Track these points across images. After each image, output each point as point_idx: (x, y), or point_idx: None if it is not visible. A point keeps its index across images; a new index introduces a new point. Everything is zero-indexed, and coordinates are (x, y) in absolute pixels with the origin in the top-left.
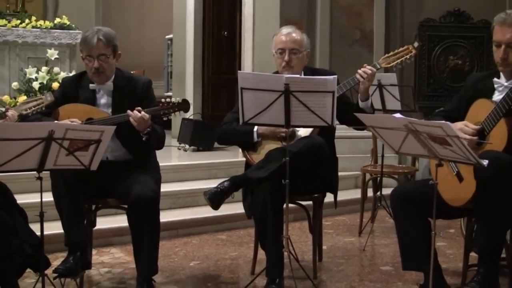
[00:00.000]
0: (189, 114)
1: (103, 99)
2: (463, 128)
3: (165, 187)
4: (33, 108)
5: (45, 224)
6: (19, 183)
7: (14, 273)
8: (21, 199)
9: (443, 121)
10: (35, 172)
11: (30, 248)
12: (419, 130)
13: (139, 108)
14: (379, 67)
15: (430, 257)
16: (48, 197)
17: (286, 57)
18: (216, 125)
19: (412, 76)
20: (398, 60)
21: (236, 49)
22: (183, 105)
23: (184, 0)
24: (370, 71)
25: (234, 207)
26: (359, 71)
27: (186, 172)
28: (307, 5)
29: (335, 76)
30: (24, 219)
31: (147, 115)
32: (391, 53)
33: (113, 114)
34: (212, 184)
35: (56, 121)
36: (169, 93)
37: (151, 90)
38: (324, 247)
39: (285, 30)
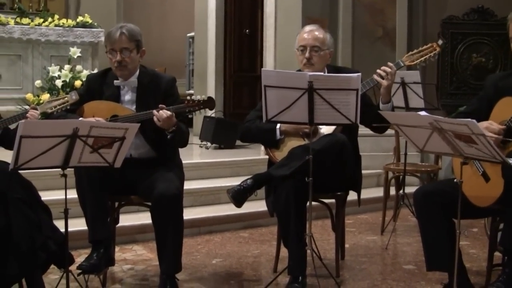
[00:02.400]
0: (211, 112)
1: (128, 96)
2: (489, 127)
3: (187, 185)
4: (58, 107)
5: (69, 221)
6: (44, 180)
7: (39, 269)
8: (46, 196)
9: (469, 119)
10: (59, 169)
11: (55, 244)
12: (444, 128)
13: (163, 105)
14: (402, 65)
15: (455, 258)
16: (72, 194)
17: (307, 54)
18: (238, 123)
19: (434, 74)
20: (422, 58)
21: (258, 47)
22: (209, 103)
23: None
24: (389, 69)
25: (256, 205)
26: (378, 70)
27: (208, 169)
28: (329, 3)
29: (359, 73)
30: (49, 216)
31: (169, 113)
32: (415, 50)
33: (137, 111)
34: (234, 182)
35: (81, 118)
36: (191, 91)
37: (175, 87)
38: (346, 245)
39: (308, 28)
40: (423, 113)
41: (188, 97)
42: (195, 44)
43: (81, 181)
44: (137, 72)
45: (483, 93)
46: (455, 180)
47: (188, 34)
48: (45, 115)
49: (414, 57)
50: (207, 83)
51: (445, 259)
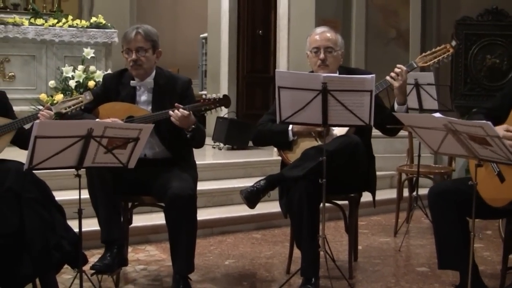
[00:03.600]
0: (224, 113)
1: (144, 96)
2: (506, 135)
3: (200, 186)
4: (72, 107)
5: (83, 221)
6: (58, 180)
7: (52, 268)
8: (60, 196)
9: (484, 121)
10: (73, 170)
11: (68, 244)
12: (459, 130)
13: (179, 105)
14: (415, 66)
15: (467, 257)
16: (87, 194)
17: (322, 55)
18: (250, 123)
19: (448, 75)
20: (435, 59)
21: (271, 48)
22: (224, 101)
23: None
24: (399, 69)
25: (268, 206)
26: (391, 73)
27: (221, 170)
28: (343, 4)
29: (373, 75)
30: (62, 216)
31: (186, 112)
32: (428, 52)
33: (153, 112)
34: (247, 183)
35: (97, 120)
36: (204, 92)
37: (191, 89)
38: (359, 247)
39: (319, 29)
40: (437, 114)
41: (204, 95)
42: (208, 45)
43: (92, 182)
44: (154, 73)
45: (507, 90)
46: (469, 182)
47: (201, 35)
48: (59, 115)
49: (428, 58)
50: (220, 84)
51: (457, 258)
